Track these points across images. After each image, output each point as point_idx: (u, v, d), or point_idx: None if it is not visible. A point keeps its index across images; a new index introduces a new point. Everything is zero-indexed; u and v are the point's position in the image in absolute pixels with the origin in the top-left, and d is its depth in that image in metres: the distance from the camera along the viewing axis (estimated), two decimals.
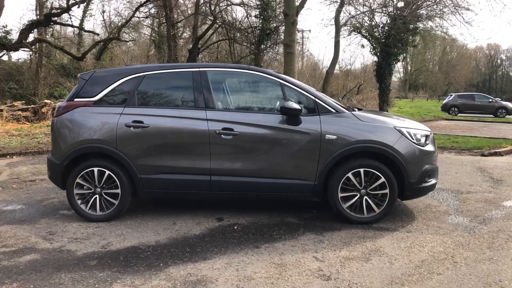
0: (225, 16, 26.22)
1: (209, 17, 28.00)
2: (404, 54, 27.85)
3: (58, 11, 19.80)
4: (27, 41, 20.62)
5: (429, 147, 4.71)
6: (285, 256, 3.71)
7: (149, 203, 5.39)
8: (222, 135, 4.53)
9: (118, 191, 4.66)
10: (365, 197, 4.53)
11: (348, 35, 22.67)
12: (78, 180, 4.68)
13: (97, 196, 4.69)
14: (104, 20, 29.69)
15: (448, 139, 11.79)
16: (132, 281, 3.26)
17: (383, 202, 4.52)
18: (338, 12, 20.43)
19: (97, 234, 4.32)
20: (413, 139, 4.56)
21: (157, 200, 5.44)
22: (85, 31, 21.53)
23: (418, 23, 21.42)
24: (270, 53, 26.14)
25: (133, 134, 4.61)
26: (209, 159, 4.57)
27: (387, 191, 4.51)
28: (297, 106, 4.41)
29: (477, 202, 5.45)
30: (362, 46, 23.92)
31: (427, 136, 4.77)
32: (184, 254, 3.79)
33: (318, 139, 4.48)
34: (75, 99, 4.81)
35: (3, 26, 21.96)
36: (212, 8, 26.38)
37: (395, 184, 4.49)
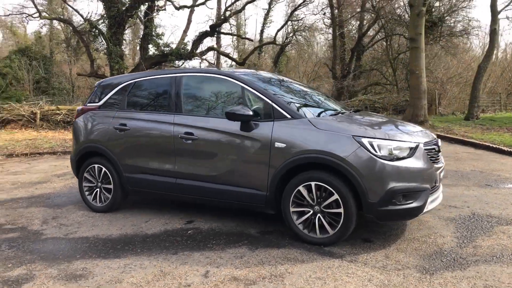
0: (386, 12, 24.80)
1: (372, 13, 27.08)
2: None
3: (219, 22, 21.96)
4: (199, 50, 23.59)
5: (407, 163, 3.84)
6: (181, 266, 3.62)
7: (151, 200, 5.79)
8: (184, 140, 4.61)
9: (111, 186, 5.20)
10: (319, 214, 4.00)
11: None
12: (85, 174, 5.40)
13: (98, 189, 5.32)
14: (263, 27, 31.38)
15: None
16: (35, 266, 3.70)
17: (338, 223, 3.91)
18: None
19: (81, 223, 4.93)
20: (376, 151, 3.80)
21: (158, 198, 5.77)
22: (242, 38, 23.28)
23: None
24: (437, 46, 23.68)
25: (118, 136, 5.08)
26: (174, 162, 4.71)
27: (341, 210, 3.88)
28: (244, 111, 4.15)
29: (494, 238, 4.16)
30: None
31: (410, 149, 3.90)
32: (108, 250, 4.06)
33: (268, 147, 4.15)
34: (87, 104, 5.54)
35: (181, 39, 25.46)
36: (374, 4, 25.44)
37: (350, 203, 3.83)
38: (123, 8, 22.30)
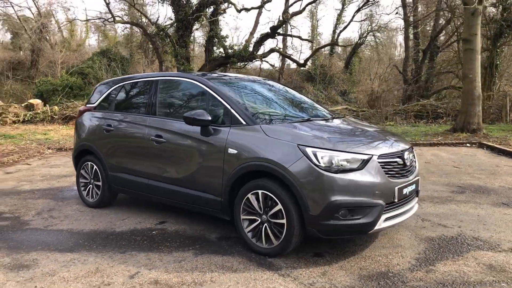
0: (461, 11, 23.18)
1: (447, 12, 25.49)
2: None
3: (279, 23, 21.98)
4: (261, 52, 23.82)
5: (354, 176, 3.60)
6: (118, 266, 3.72)
7: (145, 200, 5.97)
8: (154, 142, 4.72)
9: (100, 183, 5.47)
10: (266, 224, 3.89)
11: None
12: (81, 171, 5.74)
13: (91, 185, 5.63)
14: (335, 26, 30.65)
15: None
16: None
17: (282, 234, 3.78)
18: None
19: (68, 216, 5.26)
20: (319, 162, 3.60)
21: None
22: (302, 39, 23.04)
23: None
24: None
25: (105, 136, 5.34)
26: (146, 164, 4.85)
27: (284, 221, 3.74)
28: (202, 116, 4.15)
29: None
30: None
31: (362, 161, 3.65)
32: (68, 243, 4.30)
33: (223, 153, 4.12)
34: (87, 105, 5.88)
35: (246, 41, 25.81)
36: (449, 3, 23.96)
37: (292, 214, 3.68)
38: (190, 12, 23.14)
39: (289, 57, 25.11)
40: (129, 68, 32.10)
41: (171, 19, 25.76)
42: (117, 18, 24.79)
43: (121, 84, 5.49)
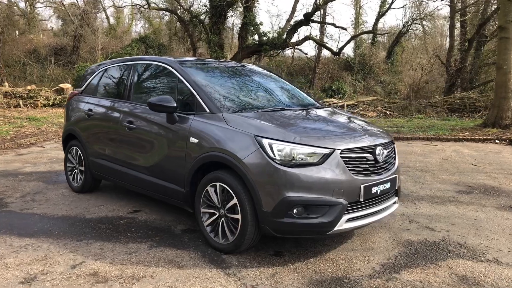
0: None
1: None
2: None
3: (312, 10, 21.39)
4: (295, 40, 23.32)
5: (311, 171, 3.29)
6: (67, 254, 3.62)
7: None
8: (126, 128, 4.59)
9: (83, 168, 5.42)
10: (223, 218, 3.67)
11: None
12: (68, 155, 5.72)
13: (76, 170, 5.60)
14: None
15: None
16: None
17: (237, 231, 3.54)
18: None
19: (49, 200, 5.25)
20: (275, 154, 3.32)
21: None
22: (336, 26, 22.29)
23: None
24: None
25: (86, 120, 5.26)
26: (121, 150, 4.73)
27: (238, 216, 3.50)
28: (166, 102, 3.94)
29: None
30: None
31: (323, 155, 3.34)
32: (32, 229, 4.25)
33: (185, 141, 3.91)
34: (75, 89, 5.83)
35: (280, 28, 25.32)
36: None
37: (246, 210, 3.43)
38: None
39: (324, 45, 24.46)
40: (166, 55, 32.42)
41: (206, 6, 25.74)
42: (152, 5, 24.96)
43: (105, 68, 5.39)
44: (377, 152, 3.60)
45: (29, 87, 17.08)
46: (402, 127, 12.42)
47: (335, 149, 3.38)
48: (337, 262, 3.53)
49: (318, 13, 24.08)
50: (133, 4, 25.62)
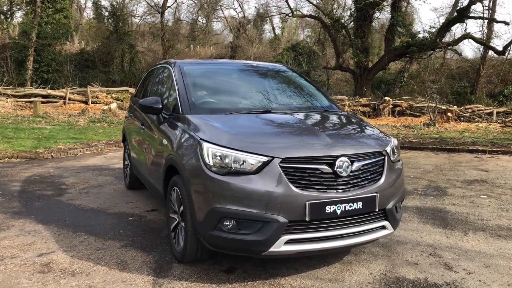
0: None
1: None
2: None
3: (466, 5, 18.95)
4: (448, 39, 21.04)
5: (245, 181, 2.89)
6: (44, 243, 3.87)
7: None
8: (141, 130, 4.76)
9: (129, 165, 5.83)
10: (181, 223, 3.49)
11: None
12: (125, 154, 6.20)
13: (128, 168, 6.03)
14: None
15: None
16: None
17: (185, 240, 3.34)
18: None
19: (98, 194, 5.76)
20: (208, 160, 3.02)
21: None
22: (496, 21, 19.20)
23: None
24: None
25: (128, 122, 5.64)
26: (138, 147, 4.94)
27: (183, 224, 3.30)
28: (152, 103, 3.95)
29: None
30: None
31: (262, 164, 2.92)
32: (52, 217, 4.67)
33: (161, 143, 3.87)
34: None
35: (431, 27, 23.03)
36: None
37: (188, 218, 3.20)
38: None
39: (484, 44, 21.42)
40: (317, 62, 32.66)
41: (350, 9, 25.05)
42: (296, 13, 25.43)
43: (149, 71, 5.67)
44: (337, 164, 2.97)
45: None
46: None
47: (274, 157, 2.91)
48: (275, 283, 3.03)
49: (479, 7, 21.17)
50: (280, 13, 26.38)
